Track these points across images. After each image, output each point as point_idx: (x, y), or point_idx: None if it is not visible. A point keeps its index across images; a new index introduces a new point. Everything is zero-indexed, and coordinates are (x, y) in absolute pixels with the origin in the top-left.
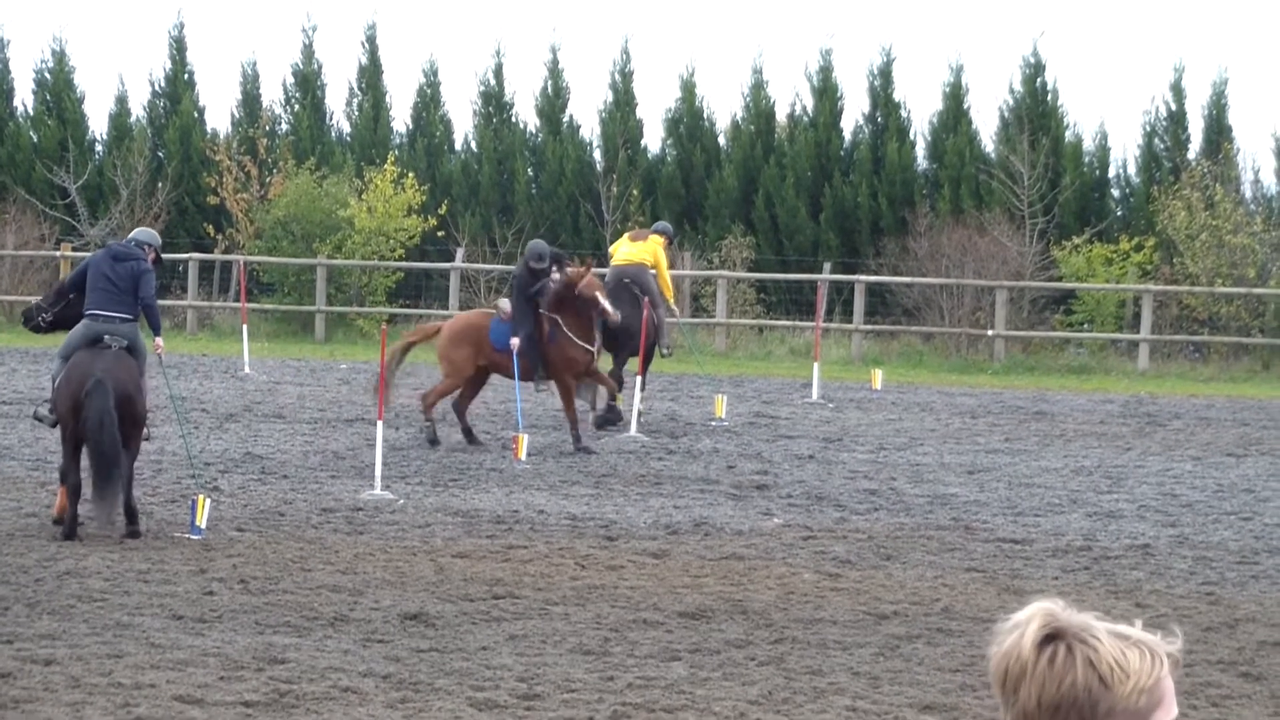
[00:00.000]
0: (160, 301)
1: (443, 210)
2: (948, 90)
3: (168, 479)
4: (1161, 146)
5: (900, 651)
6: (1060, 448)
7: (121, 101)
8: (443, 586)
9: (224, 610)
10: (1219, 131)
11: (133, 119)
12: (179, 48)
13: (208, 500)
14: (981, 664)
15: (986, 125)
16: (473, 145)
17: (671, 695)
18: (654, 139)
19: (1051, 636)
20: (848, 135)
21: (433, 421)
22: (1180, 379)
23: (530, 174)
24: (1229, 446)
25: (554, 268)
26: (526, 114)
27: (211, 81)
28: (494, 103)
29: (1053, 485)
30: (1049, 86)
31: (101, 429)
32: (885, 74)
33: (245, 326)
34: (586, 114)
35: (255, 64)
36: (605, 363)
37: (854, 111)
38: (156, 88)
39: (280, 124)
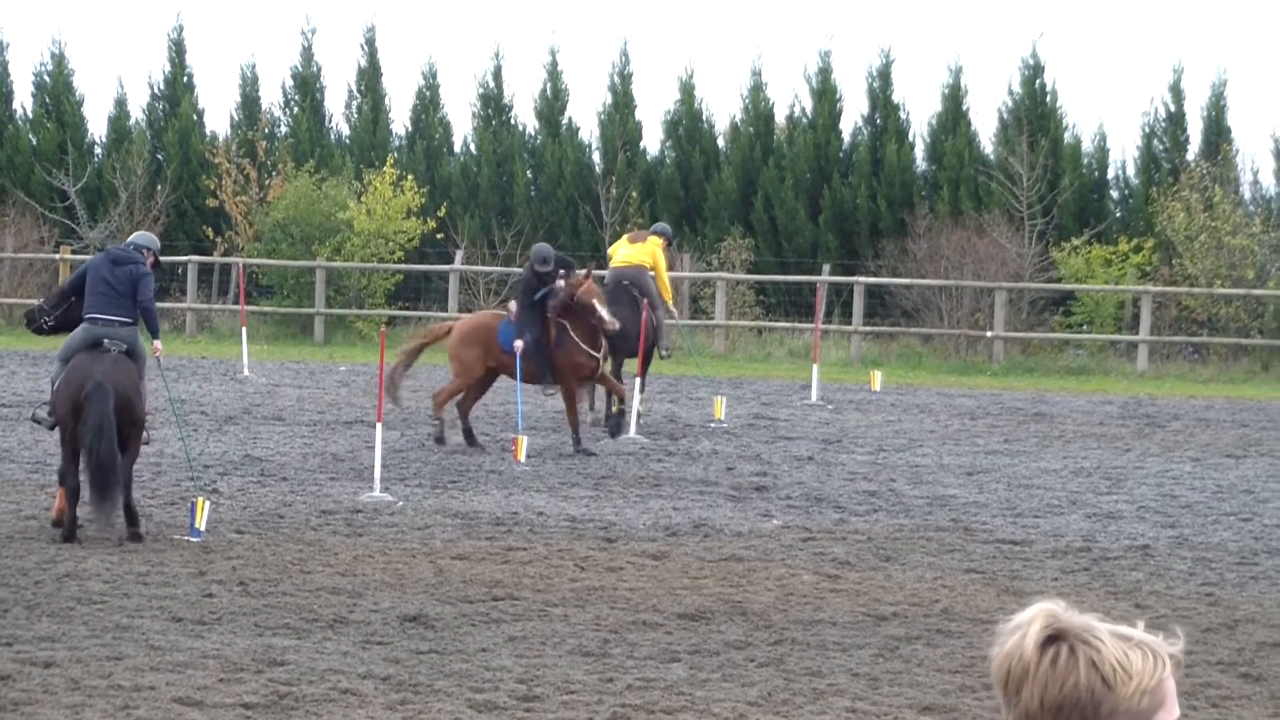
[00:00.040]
0: (159, 304)
1: (442, 212)
2: (947, 92)
3: (167, 481)
4: (1160, 148)
5: (900, 653)
6: (1059, 449)
7: (121, 104)
8: (442, 588)
9: (223, 612)
10: (1218, 133)
11: (132, 122)
12: (178, 50)
13: (207, 502)
14: (981, 665)
15: (985, 127)
16: (472, 147)
17: (671, 697)
18: (653, 141)
19: (1054, 637)
20: (847, 137)
21: (441, 421)
22: (1179, 380)
23: (529, 176)
24: (1228, 448)
25: (560, 271)
26: (526, 116)
27: (211, 84)
28: (493, 105)
29: (1052, 486)
30: (1048, 88)
31: (100, 433)
32: (884, 76)
33: (244, 329)
34: (585, 116)
35: (254, 66)
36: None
37: (853, 113)
38: (156, 90)
39: (279, 126)
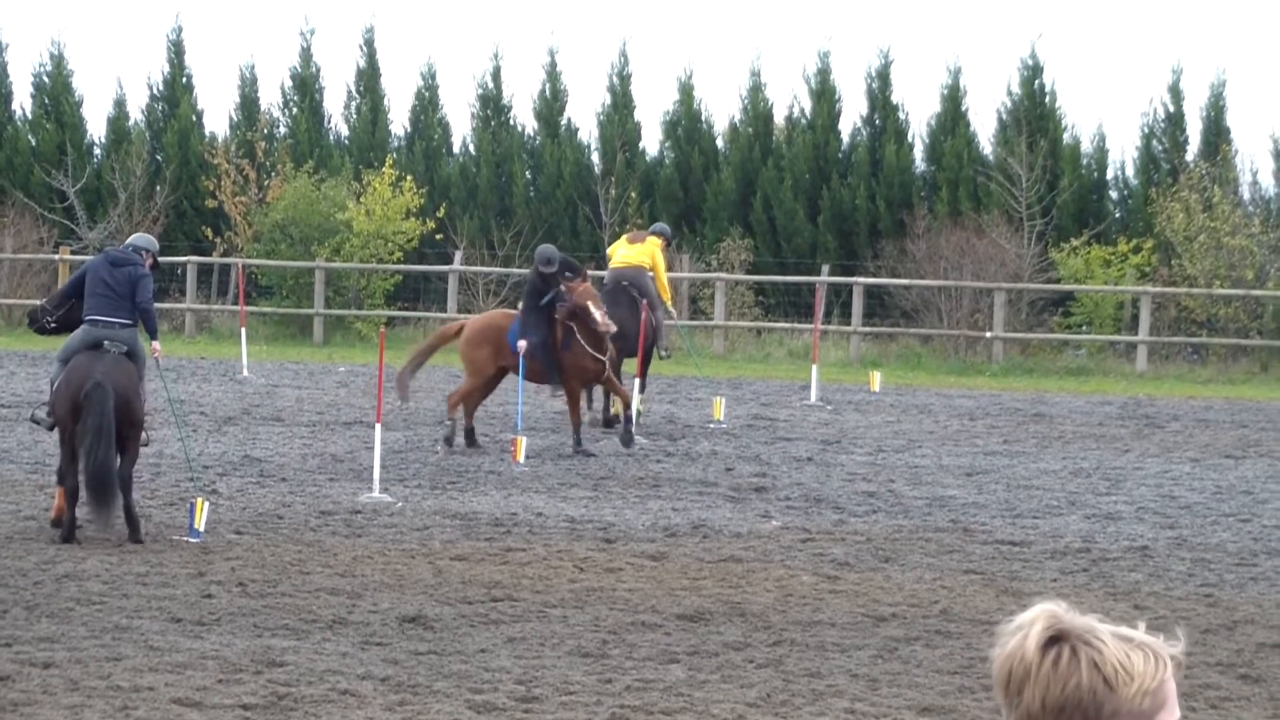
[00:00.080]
0: (158, 305)
1: (441, 213)
2: (946, 92)
3: (166, 482)
4: (1160, 148)
5: (899, 654)
6: (1059, 450)
7: (120, 105)
8: (441, 589)
9: (222, 613)
10: (1217, 133)
11: (131, 122)
12: (177, 51)
13: (206, 503)
14: (980, 666)
15: (985, 127)
16: (471, 148)
17: (670, 698)
18: (652, 141)
19: (1055, 638)
20: (846, 137)
21: (454, 422)
22: (1178, 381)
23: (528, 177)
24: (1227, 448)
25: (566, 274)
26: (525, 117)
27: (210, 85)
28: (492, 105)
29: (1051, 487)
30: (1047, 88)
31: (99, 434)
32: (883, 76)
33: (244, 329)
34: (585, 117)
35: (253, 67)
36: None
37: (852, 114)
38: (155, 91)
39: (278, 127)
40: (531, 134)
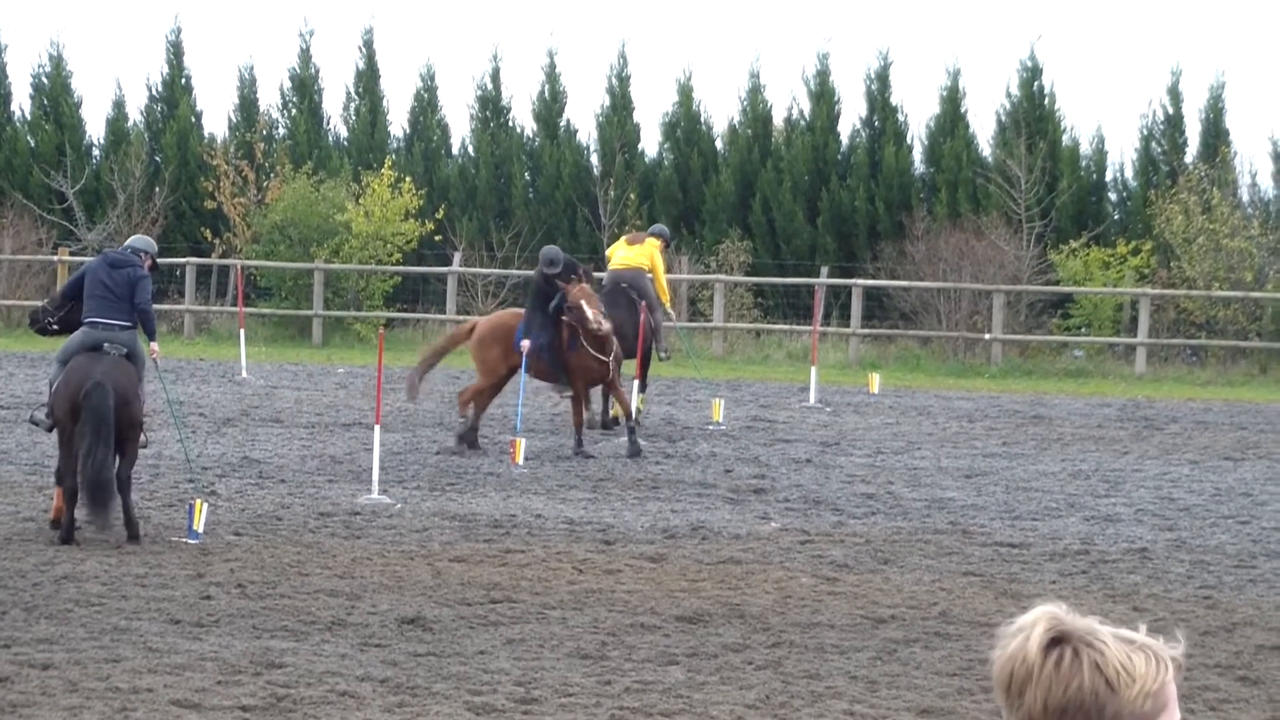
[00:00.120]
0: (157, 306)
1: (440, 214)
2: (945, 94)
3: (165, 483)
4: (1159, 150)
5: (898, 655)
6: (1058, 452)
7: (119, 106)
8: (440, 591)
9: (221, 615)
10: (1216, 135)
11: (130, 124)
12: (176, 52)
13: (205, 505)
14: (980, 668)
15: (984, 129)
16: (470, 149)
17: (669, 699)
18: (651, 143)
19: (1057, 640)
20: (845, 139)
21: (467, 419)
22: (1177, 383)
23: (527, 178)
24: (1226, 450)
25: (572, 275)
26: (524, 118)
27: (209, 86)
28: (491, 107)
29: (1050, 489)
30: (1046, 90)
31: (98, 435)
32: (882, 78)
33: (242, 331)
34: (584, 118)
35: (252, 68)
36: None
37: (851, 115)
38: (154, 92)
39: (277, 128)
40: (530, 135)
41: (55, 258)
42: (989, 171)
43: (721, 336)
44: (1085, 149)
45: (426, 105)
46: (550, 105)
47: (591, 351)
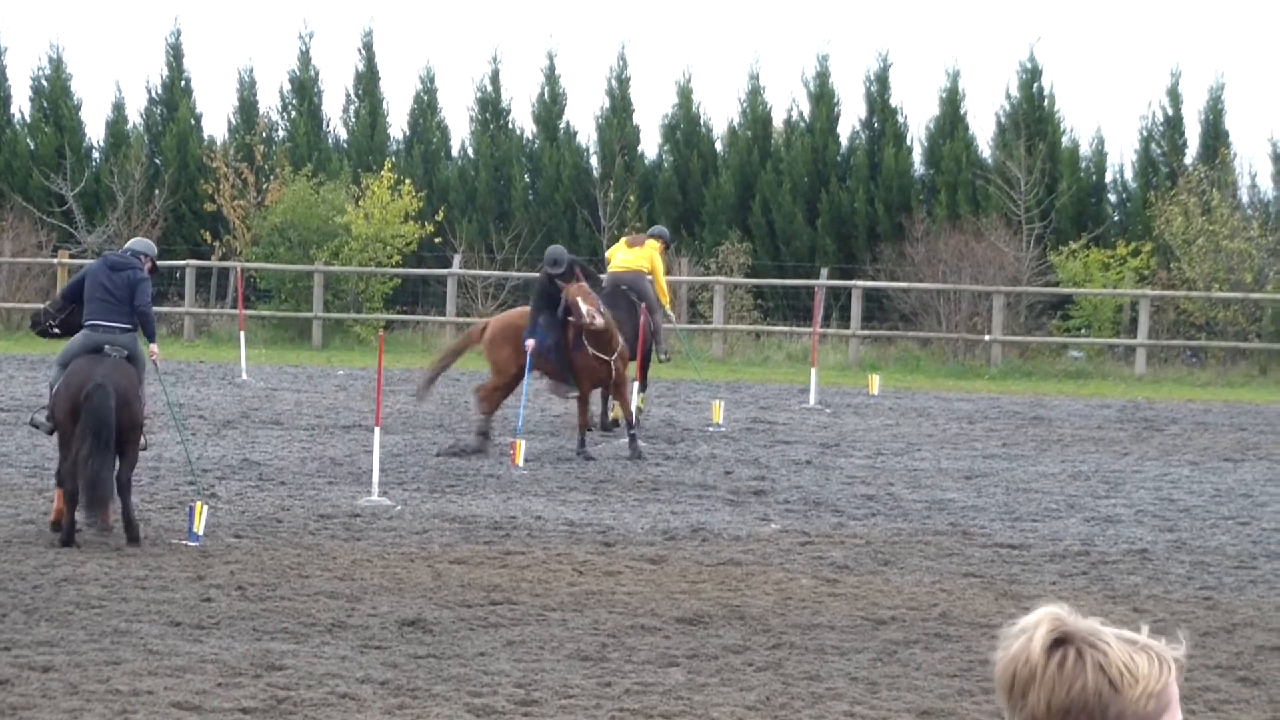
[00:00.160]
0: (157, 308)
1: (439, 217)
2: (944, 96)
3: (165, 485)
4: (1158, 151)
5: (898, 657)
6: (1058, 453)
7: (119, 108)
8: (440, 593)
9: (222, 617)
10: (1216, 136)
11: (130, 126)
12: (176, 55)
13: (205, 507)
14: (980, 669)
15: (983, 131)
16: (470, 151)
17: (669, 701)
18: (651, 145)
19: (1060, 641)
20: (844, 141)
21: (486, 416)
22: (1177, 384)
23: (527, 180)
24: (1226, 451)
25: (577, 274)
26: (523, 120)
27: (208, 88)
28: (491, 109)
29: (1050, 490)
30: (1046, 92)
31: (98, 436)
32: (882, 80)
33: (242, 333)
34: (583, 120)
35: (252, 71)
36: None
37: (850, 117)
38: (153, 95)
39: (277, 131)
40: (530, 137)
41: (55, 260)
42: (988, 173)
43: (721, 338)
44: (1085, 150)
45: (426, 107)
46: (550, 107)
47: (594, 351)
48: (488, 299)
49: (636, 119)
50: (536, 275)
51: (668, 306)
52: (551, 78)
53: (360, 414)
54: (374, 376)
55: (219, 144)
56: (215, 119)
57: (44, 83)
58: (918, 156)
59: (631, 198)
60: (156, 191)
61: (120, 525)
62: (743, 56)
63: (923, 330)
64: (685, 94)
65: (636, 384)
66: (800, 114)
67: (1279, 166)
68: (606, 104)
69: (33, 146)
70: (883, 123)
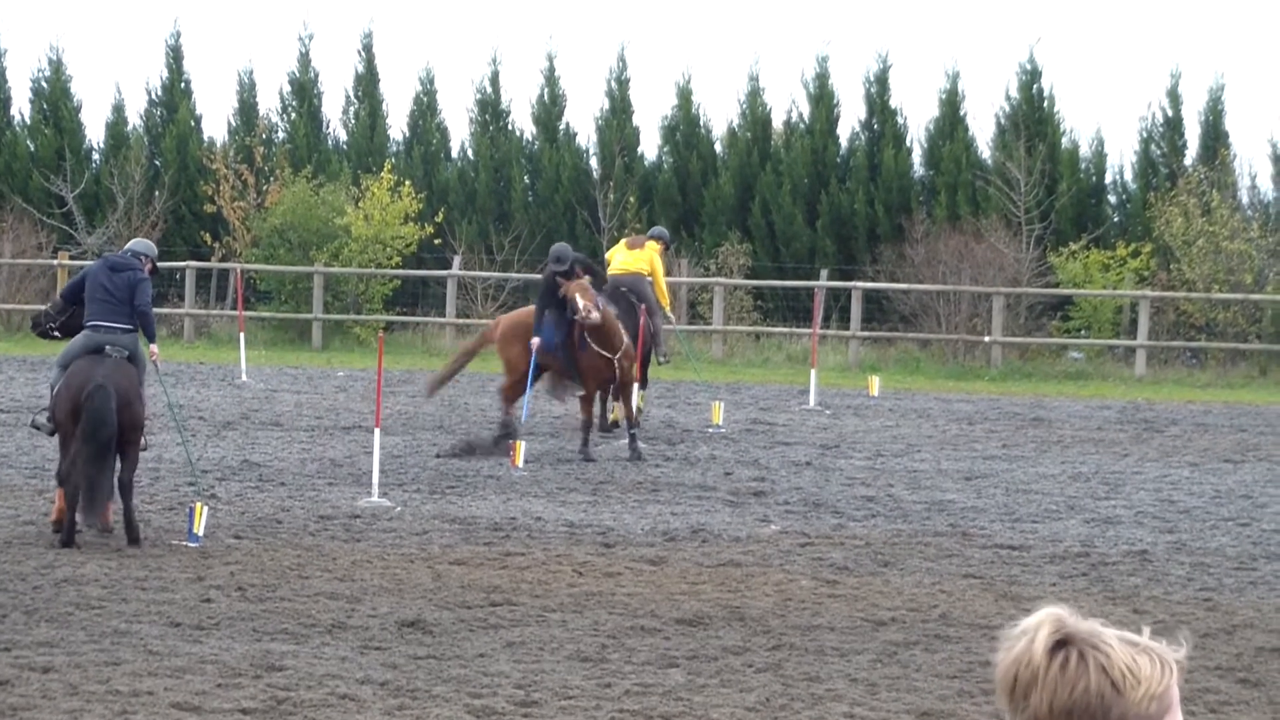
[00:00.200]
0: (157, 310)
1: (439, 218)
2: (944, 97)
3: (165, 486)
4: (1158, 153)
5: (898, 658)
6: (1058, 454)
7: (118, 110)
8: (440, 594)
9: (222, 618)
10: (1216, 137)
11: (130, 128)
12: (176, 56)
13: (205, 508)
14: (980, 670)
15: (983, 132)
16: (469, 153)
17: (669, 702)
18: (650, 146)
19: (1062, 642)
20: (844, 142)
21: (510, 416)
22: (1177, 385)
23: (527, 181)
24: (1226, 452)
25: (578, 271)
26: (523, 121)
27: (208, 90)
28: (490, 110)
29: (1050, 491)
30: (1045, 93)
31: (100, 428)
32: (881, 81)
33: (242, 334)
34: (583, 121)
35: (252, 72)
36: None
37: (850, 118)
38: (153, 96)
39: (277, 132)
40: (530, 139)
41: (55, 262)
42: (988, 174)
43: (721, 339)
44: (1085, 151)
45: (426, 109)
46: (550, 108)
47: (598, 349)
48: (487, 300)
49: (636, 120)
50: (536, 276)
51: (667, 308)
52: (551, 79)
53: (360, 415)
54: (374, 378)
55: (219, 145)
56: (215, 120)
57: (44, 84)
58: (917, 158)
59: (631, 199)
60: (156, 193)
61: (121, 526)
62: (742, 58)
63: (923, 331)
64: (685, 95)
65: (636, 384)
66: (800, 115)
67: (1279, 167)
68: (606, 105)
69: (33, 148)
70: (882, 124)
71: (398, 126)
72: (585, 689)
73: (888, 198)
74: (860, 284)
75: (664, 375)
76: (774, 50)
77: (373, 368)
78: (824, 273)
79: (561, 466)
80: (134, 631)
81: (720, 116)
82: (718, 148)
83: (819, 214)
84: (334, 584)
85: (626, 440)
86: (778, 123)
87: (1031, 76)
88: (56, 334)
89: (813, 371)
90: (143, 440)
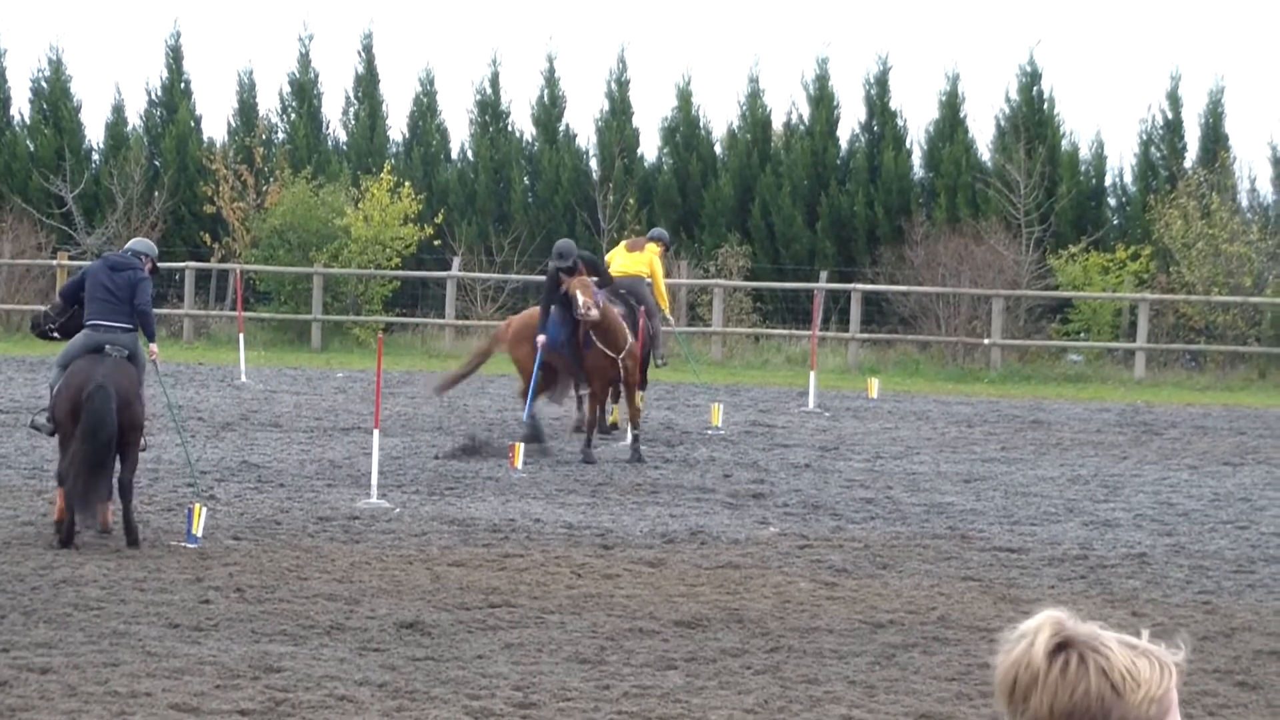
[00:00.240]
0: (157, 310)
1: (439, 219)
2: (944, 99)
3: (164, 487)
4: (1158, 155)
5: (896, 660)
6: (1056, 456)
7: (118, 110)
8: (439, 595)
9: (220, 619)
10: (1215, 140)
11: (129, 128)
12: (176, 57)
13: (204, 509)
14: (978, 673)
15: (983, 134)
16: (469, 154)
17: (667, 704)
18: (650, 148)
19: (1063, 645)
20: (844, 144)
21: (533, 418)
22: (1176, 388)
23: (526, 183)
24: (1225, 455)
25: (580, 267)
26: (523, 123)
27: (208, 90)
28: (490, 111)
29: (1049, 494)
30: (1045, 95)
31: (100, 429)
32: (881, 83)
33: (242, 335)
34: (583, 123)
35: (252, 73)
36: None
37: (850, 120)
38: (153, 97)
39: (276, 133)
40: (530, 140)
41: (54, 262)
42: (988, 176)
43: (720, 341)
44: (1084, 154)
45: (426, 110)
46: (549, 110)
47: (602, 349)
48: (487, 302)
49: (636, 122)
50: (536, 277)
51: (667, 311)
52: (551, 80)
53: (359, 416)
54: (373, 379)
55: (219, 146)
56: (215, 121)
57: (44, 84)
58: (917, 160)
59: (631, 200)
60: (156, 193)
61: (120, 527)
62: (742, 59)
63: (922, 334)
64: (685, 97)
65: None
66: (800, 117)
67: (1278, 170)
68: (606, 106)
69: (32, 148)
70: (882, 126)
71: (397, 127)
72: (584, 691)
73: (887, 200)
74: (860, 286)
75: (663, 377)
76: (774, 52)
77: (372, 369)
78: (823, 275)
79: (560, 468)
80: (132, 632)
81: (720, 118)
82: (717, 149)
83: (819, 216)
84: (332, 585)
85: (628, 441)
86: (777, 124)
87: (1031, 79)
88: (56, 335)
89: (812, 373)
90: (142, 441)
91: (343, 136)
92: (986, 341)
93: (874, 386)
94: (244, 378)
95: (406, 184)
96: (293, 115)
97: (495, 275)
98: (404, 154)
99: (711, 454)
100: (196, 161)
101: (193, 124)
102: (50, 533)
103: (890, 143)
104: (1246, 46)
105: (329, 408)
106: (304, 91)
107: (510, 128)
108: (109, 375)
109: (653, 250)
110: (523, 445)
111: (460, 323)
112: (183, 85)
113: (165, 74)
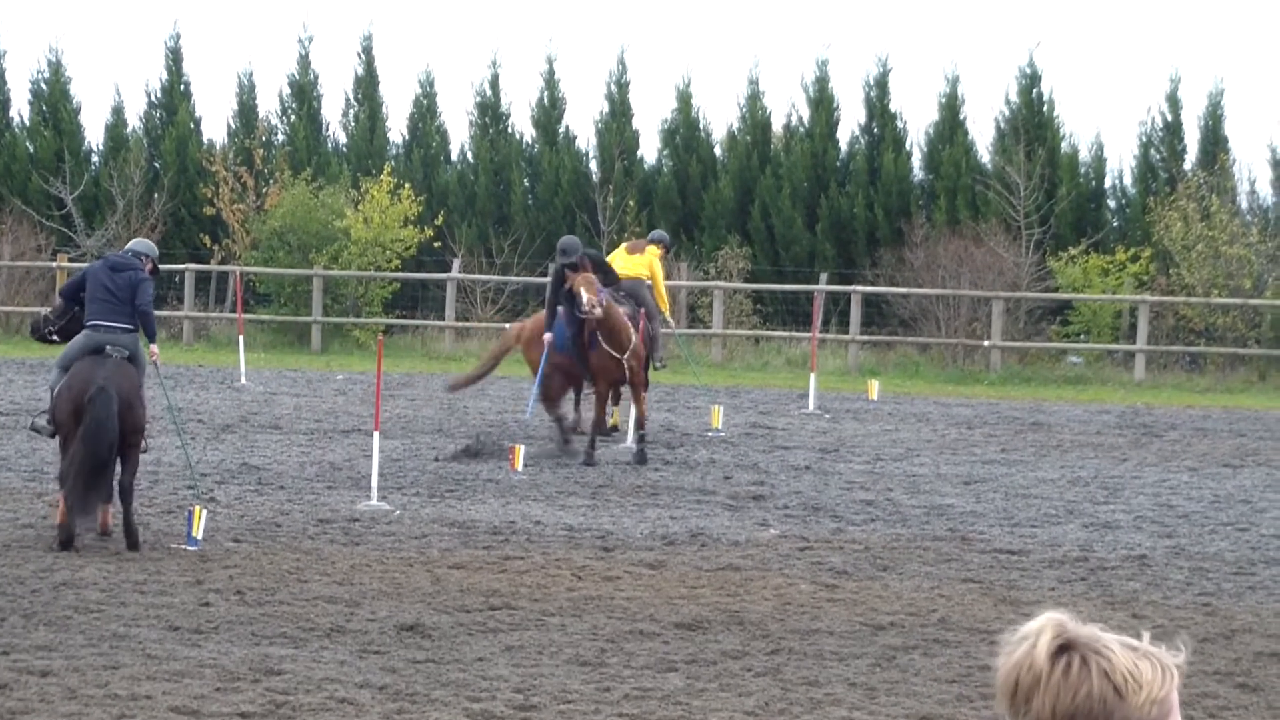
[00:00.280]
0: (157, 312)
1: (439, 221)
2: (944, 101)
3: (164, 490)
4: (1158, 157)
5: (897, 662)
6: (1057, 458)
7: (118, 112)
8: (439, 597)
9: (220, 621)
10: (1215, 142)
11: (129, 130)
12: (175, 58)
13: (204, 511)
14: (979, 675)
15: (983, 136)
16: (469, 156)
17: (668, 706)
18: (650, 149)
19: (1065, 647)
20: (844, 146)
21: (559, 419)
22: (1176, 390)
23: (526, 184)
24: (1225, 457)
25: (584, 264)
26: (523, 124)
27: (208, 92)
28: (490, 113)
29: (1049, 496)
30: (1045, 97)
31: (101, 432)
32: (881, 85)
33: (241, 337)
34: (583, 124)
35: (251, 75)
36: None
37: (850, 122)
38: (153, 98)
39: (276, 135)
40: (530, 142)
41: (54, 264)
42: (988, 178)
43: (721, 343)
44: (1084, 156)
45: (425, 111)
46: (549, 112)
47: (607, 349)
48: (487, 304)
49: (636, 123)
50: (536, 279)
51: (667, 313)
52: (551, 82)
53: (359, 418)
54: (373, 381)
55: (218, 148)
56: (214, 123)
57: (43, 86)
58: (917, 162)
59: (631, 202)
60: (155, 195)
61: (120, 529)
62: (742, 61)
63: (922, 335)
64: (685, 99)
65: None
66: (800, 119)
67: (1278, 172)
68: (606, 108)
69: (32, 150)
70: (882, 128)
71: (397, 129)
72: (584, 693)
73: (887, 201)
74: (860, 288)
75: (663, 379)
76: (774, 54)
77: (372, 371)
78: (823, 276)
79: (561, 470)
80: (132, 635)
81: (720, 120)
82: (717, 151)
83: (818, 218)
84: (333, 588)
85: (630, 443)
86: (777, 126)
87: (1031, 81)
88: (55, 339)
89: (812, 375)
90: (143, 443)
91: (342, 138)
92: (986, 343)
93: (874, 388)
94: (244, 380)
95: (406, 186)
96: (292, 117)
97: (495, 277)
98: (404, 156)
99: (712, 456)
100: (196, 163)
101: (192, 126)
102: (50, 535)
103: (890, 145)
104: (1246, 48)
105: (329, 410)
106: (304, 93)
107: (510, 129)
108: (110, 378)
109: (653, 252)
110: (564, 445)
111: (460, 325)
112: (182, 87)
113: (165, 75)
